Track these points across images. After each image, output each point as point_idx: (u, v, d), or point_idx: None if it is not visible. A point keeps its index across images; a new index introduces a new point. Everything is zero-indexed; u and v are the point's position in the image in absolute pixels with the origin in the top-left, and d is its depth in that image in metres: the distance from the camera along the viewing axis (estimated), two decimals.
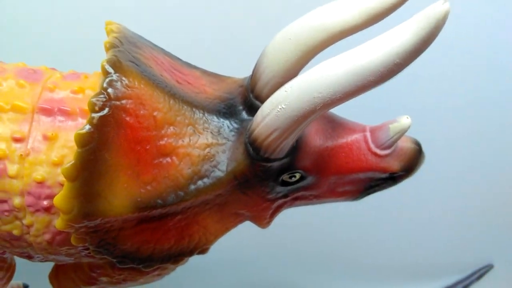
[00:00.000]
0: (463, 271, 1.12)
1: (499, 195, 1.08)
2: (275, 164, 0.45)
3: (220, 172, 0.45)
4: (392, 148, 0.49)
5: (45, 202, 0.45)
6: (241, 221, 0.53)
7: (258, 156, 0.44)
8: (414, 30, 0.34)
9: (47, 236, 0.47)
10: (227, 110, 0.47)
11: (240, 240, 1.03)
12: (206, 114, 0.46)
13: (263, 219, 0.52)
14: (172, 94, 0.45)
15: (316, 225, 1.05)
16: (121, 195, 0.42)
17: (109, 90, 0.41)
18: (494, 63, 0.99)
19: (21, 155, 0.44)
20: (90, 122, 0.40)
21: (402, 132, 0.47)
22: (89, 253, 0.47)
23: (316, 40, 0.41)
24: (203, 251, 0.51)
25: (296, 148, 0.46)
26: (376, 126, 0.49)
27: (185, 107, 0.45)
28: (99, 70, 0.43)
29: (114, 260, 0.47)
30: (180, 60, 0.53)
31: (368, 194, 0.54)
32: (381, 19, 0.39)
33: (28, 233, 0.47)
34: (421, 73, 1.00)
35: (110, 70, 0.41)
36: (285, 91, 0.40)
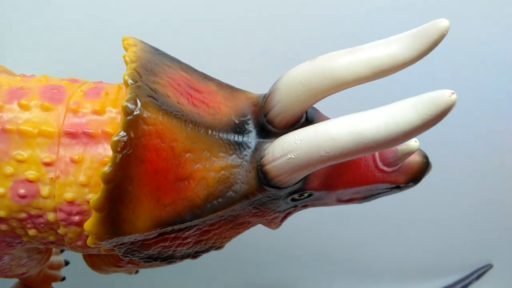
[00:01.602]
0: (462, 270, 1.12)
1: (498, 195, 1.08)
2: (285, 190, 0.48)
3: (233, 193, 0.48)
4: (399, 165, 0.51)
5: (76, 218, 0.50)
6: (252, 225, 0.57)
7: (269, 184, 0.47)
8: (420, 114, 0.37)
9: (79, 243, 0.52)
10: (240, 130, 0.50)
11: (240, 240, 1.03)
12: (221, 137, 0.49)
13: (273, 224, 0.56)
14: (189, 121, 0.48)
15: (316, 225, 1.05)
16: (143, 218, 0.46)
17: (130, 130, 0.43)
18: (496, 62, 0.99)
19: (51, 178, 0.48)
20: (113, 161, 0.43)
21: (409, 154, 0.50)
22: None
23: (326, 87, 0.44)
24: (218, 248, 0.56)
25: (306, 179, 0.49)
26: None
27: (202, 132, 0.48)
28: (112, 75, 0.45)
29: (140, 260, 0.52)
30: (196, 72, 0.54)
31: (375, 198, 0.56)
32: (390, 74, 0.42)
33: (63, 239, 0.52)
34: (428, 74, 1.00)
35: (130, 109, 0.44)
36: (295, 142, 0.43)
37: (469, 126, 1.03)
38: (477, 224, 1.10)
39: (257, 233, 0.93)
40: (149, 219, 0.46)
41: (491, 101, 1.02)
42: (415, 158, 0.52)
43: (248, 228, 0.57)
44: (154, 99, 0.46)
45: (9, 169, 0.48)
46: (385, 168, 0.51)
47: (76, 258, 0.68)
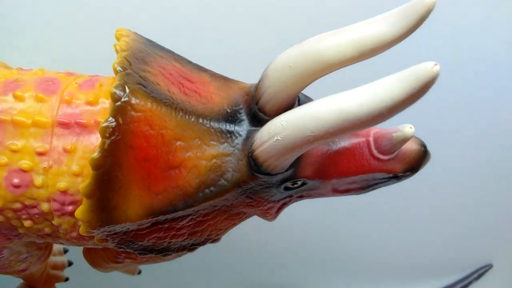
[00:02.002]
0: (462, 270, 1.12)
1: (498, 194, 1.08)
2: (277, 177, 0.48)
3: (225, 181, 0.48)
4: (396, 152, 0.50)
5: (69, 207, 0.50)
6: (248, 217, 0.56)
7: (259, 171, 0.47)
8: (404, 88, 0.36)
9: (74, 234, 0.52)
10: (232, 119, 0.49)
11: (240, 240, 1.03)
12: (212, 126, 0.49)
13: (269, 215, 0.55)
14: (179, 109, 0.47)
15: (316, 225, 1.05)
16: (134, 206, 0.46)
17: (118, 116, 0.44)
18: (494, 61, 1.00)
19: (44, 168, 0.49)
20: (102, 147, 0.43)
21: (404, 141, 0.48)
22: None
23: (314, 70, 0.43)
24: (214, 241, 0.56)
25: (298, 160, 0.48)
26: (380, 133, 0.50)
27: (192, 120, 0.48)
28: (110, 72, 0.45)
29: (135, 252, 0.52)
30: (190, 63, 0.54)
31: (372, 190, 0.54)
32: (377, 54, 0.42)
33: (58, 230, 0.52)
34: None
35: (119, 96, 0.44)
36: (281, 124, 0.42)
37: (469, 126, 1.03)
38: (477, 224, 1.11)
39: (257, 233, 0.93)
40: (141, 207, 0.46)
41: (491, 101, 1.02)
42: (412, 146, 0.51)
43: (243, 219, 0.56)
44: (143, 86, 0.46)
45: (3, 159, 0.48)
46: (380, 156, 0.50)
47: (79, 258, 0.68)
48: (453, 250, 1.12)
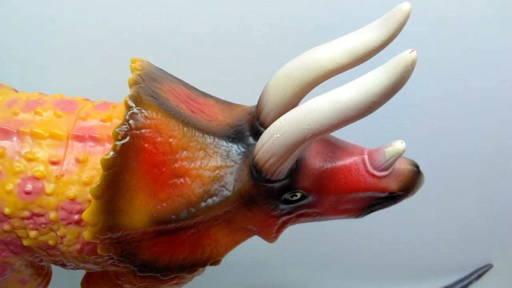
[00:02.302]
0: (462, 270, 1.12)
1: (498, 195, 1.08)
2: (277, 185, 0.50)
3: (227, 191, 0.51)
4: (390, 170, 0.53)
5: (76, 216, 0.52)
6: (249, 236, 0.58)
7: (260, 178, 0.49)
8: (388, 74, 0.40)
9: (77, 246, 0.54)
10: (235, 136, 0.53)
11: None
12: (216, 140, 0.52)
13: (269, 234, 0.57)
14: (186, 122, 0.51)
15: (316, 225, 1.05)
16: (140, 211, 0.48)
17: (130, 121, 0.47)
18: (493, 65, 1.00)
19: (56, 176, 0.52)
20: (114, 149, 0.46)
21: (397, 156, 0.51)
22: (114, 262, 0.53)
23: (310, 78, 0.47)
24: (215, 262, 0.56)
25: (296, 170, 0.51)
26: (373, 150, 0.53)
27: (198, 133, 0.51)
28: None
29: (135, 268, 0.52)
30: (197, 90, 0.59)
31: (370, 212, 0.57)
32: (366, 59, 0.46)
33: (61, 243, 0.54)
34: (425, 77, 1.00)
35: (132, 104, 0.48)
36: (280, 122, 0.45)
37: (469, 126, 1.03)
38: (477, 224, 1.11)
39: None
40: (146, 214, 0.48)
41: (491, 102, 1.02)
42: (405, 166, 0.54)
43: (245, 238, 0.58)
44: (154, 98, 0.50)
45: (18, 167, 0.51)
46: (375, 173, 0.52)
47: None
48: (453, 250, 1.12)
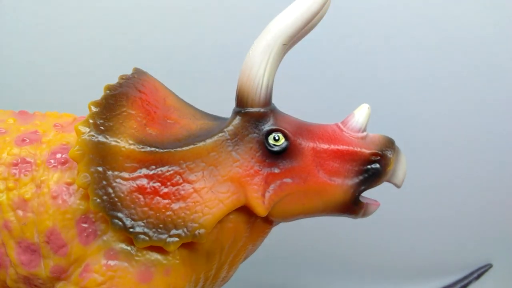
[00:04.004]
0: (462, 270, 1.12)
1: (498, 194, 1.08)
2: (260, 110, 0.55)
3: (213, 132, 0.55)
4: (365, 134, 0.57)
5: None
6: (235, 200, 0.55)
7: (242, 106, 0.55)
8: None
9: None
10: (219, 118, 0.61)
11: None
12: (203, 113, 0.61)
13: (255, 192, 0.55)
14: (181, 102, 0.61)
15: (316, 225, 1.05)
16: (129, 132, 0.52)
17: (139, 69, 0.59)
18: (492, 64, 1.00)
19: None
20: (120, 79, 0.56)
21: (365, 114, 0.57)
22: None
23: (297, 37, 0.54)
24: (200, 236, 0.53)
25: (275, 113, 0.57)
26: (345, 118, 0.58)
27: (189, 106, 0.61)
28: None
29: (112, 220, 0.50)
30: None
31: (360, 190, 0.57)
32: (316, 19, 0.54)
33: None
34: (419, 75, 1.00)
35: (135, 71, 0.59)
36: (251, 50, 0.53)
37: (468, 126, 1.04)
38: (477, 224, 1.11)
39: None
40: (133, 137, 0.52)
41: (490, 102, 1.02)
42: (379, 135, 0.58)
43: (230, 200, 0.54)
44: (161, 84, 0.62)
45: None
46: (351, 133, 0.57)
47: None
48: (453, 250, 1.12)
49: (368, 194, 0.59)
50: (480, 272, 1.11)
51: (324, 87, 0.99)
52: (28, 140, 0.56)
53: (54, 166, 0.54)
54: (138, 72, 0.59)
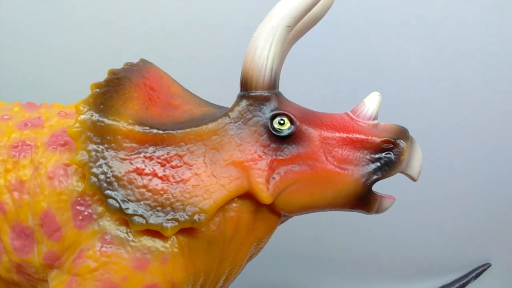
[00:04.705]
0: (461, 269, 1.12)
1: (497, 194, 1.08)
2: (263, 94, 0.53)
3: (216, 117, 0.54)
4: (376, 122, 0.55)
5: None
6: (238, 185, 0.52)
7: (247, 89, 0.54)
8: None
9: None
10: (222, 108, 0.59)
11: None
12: (209, 105, 0.59)
13: (258, 179, 0.52)
14: (185, 90, 0.61)
15: (316, 225, 1.05)
16: (129, 111, 0.52)
17: (144, 59, 0.60)
18: (493, 62, 1.00)
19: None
20: (125, 65, 0.56)
21: (375, 102, 0.55)
22: None
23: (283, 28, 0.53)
24: (200, 221, 0.50)
25: (280, 98, 0.55)
26: (355, 106, 0.56)
27: (194, 97, 0.60)
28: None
29: (107, 199, 0.49)
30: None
31: (373, 180, 0.53)
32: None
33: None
34: (425, 79, 1.01)
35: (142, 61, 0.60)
36: (256, 31, 0.53)
37: (468, 126, 1.04)
38: (476, 223, 1.11)
39: None
40: (133, 116, 0.51)
41: (490, 101, 1.02)
42: (392, 123, 0.55)
43: (232, 184, 0.52)
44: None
45: None
46: (361, 121, 0.54)
47: None
48: (452, 249, 1.12)
49: None
50: (479, 271, 1.11)
51: (330, 82, 0.99)
52: (30, 125, 0.55)
53: (53, 148, 0.53)
54: (143, 61, 0.59)
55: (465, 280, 1.10)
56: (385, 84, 1.00)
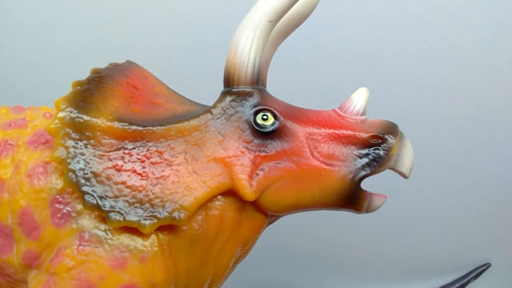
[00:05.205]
0: (461, 269, 1.12)
1: (497, 194, 1.08)
2: (246, 90, 0.53)
3: (198, 113, 0.53)
4: (364, 117, 0.53)
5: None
6: (219, 182, 0.51)
7: (229, 85, 0.53)
8: None
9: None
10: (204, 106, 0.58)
11: None
12: (193, 104, 0.58)
13: (241, 175, 0.51)
14: (171, 90, 0.60)
15: (315, 225, 1.05)
16: (109, 108, 0.51)
17: (130, 61, 0.59)
18: (492, 63, 1.00)
19: None
20: (109, 65, 0.56)
21: (362, 98, 0.54)
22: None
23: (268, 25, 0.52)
24: (180, 219, 0.49)
25: (263, 93, 0.54)
26: (342, 103, 0.55)
27: (179, 96, 0.60)
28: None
29: (83, 194, 0.48)
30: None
31: (361, 176, 0.52)
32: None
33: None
34: (421, 77, 1.01)
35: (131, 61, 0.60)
36: (238, 27, 0.53)
37: (468, 126, 1.04)
38: (476, 223, 1.11)
39: None
40: (114, 112, 0.51)
41: (490, 102, 1.02)
42: (380, 119, 0.54)
43: (214, 181, 0.51)
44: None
45: None
46: (348, 117, 0.53)
47: None
48: (452, 249, 1.12)
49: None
50: (479, 271, 1.11)
51: (321, 81, 0.99)
52: (13, 125, 0.55)
53: (34, 146, 0.53)
54: (128, 62, 0.59)
55: (465, 280, 1.10)
56: (380, 82, 1.00)
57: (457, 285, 1.10)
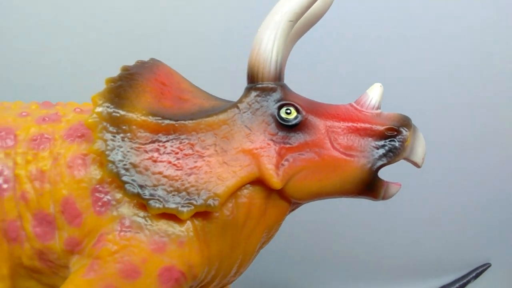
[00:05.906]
0: (461, 269, 1.12)
1: (497, 194, 1.09)
2: (270, 85, 0.56)
3: (225, 108, 0.56)
4: (379, 111, 0.57)
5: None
6: (248, 172, 0.54)
7: (253, 81, 0.56)
8: None
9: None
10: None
11: None
12: (218, 99, 0.61)
13: (268, 166, 0.54)
14: (194, 86, 0.63)
15: (316, 225, 1.06)
16: (142, 103, 0.54)
17: (154, 58, 0.61)
18: (493, 62, 1.00)
19: None
20: (136, 62, 0.58)
21: (377, 92, 0.57)
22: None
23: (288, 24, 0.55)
24: (214, 205, 0.53)
25: (285, 89, 0.57)
26: (358, 98, 0.58)
27: (204, 92, 0.62)
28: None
29: (123, 180, 0.52)
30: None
31: (378, 169, 0.55)
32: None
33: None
34: (424, 74, 1.01)
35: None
36: (260, 27, 0.55)
37: (468, 126, 1.04)
38: (476, 223, 1.11)
39: None
40: (146, 107, 0.54)
41: (490, 101, 1.02)
42: (394, 112, 0.58)
43: (244, 171, 0.54)
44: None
45: None
46: (365, 110, 0.57)
47: None
48: (452, 249, 1.12)
49: None
50: (479, 271, 1.12)
51: (332, 79, 0.99)
52: (48, 119, 0.58)
53: (71, 140, 0.56)
54: (153, 60, 0.61)
55: (465, 280, 1.10)
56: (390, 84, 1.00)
57: (457, 285, 1.10)
